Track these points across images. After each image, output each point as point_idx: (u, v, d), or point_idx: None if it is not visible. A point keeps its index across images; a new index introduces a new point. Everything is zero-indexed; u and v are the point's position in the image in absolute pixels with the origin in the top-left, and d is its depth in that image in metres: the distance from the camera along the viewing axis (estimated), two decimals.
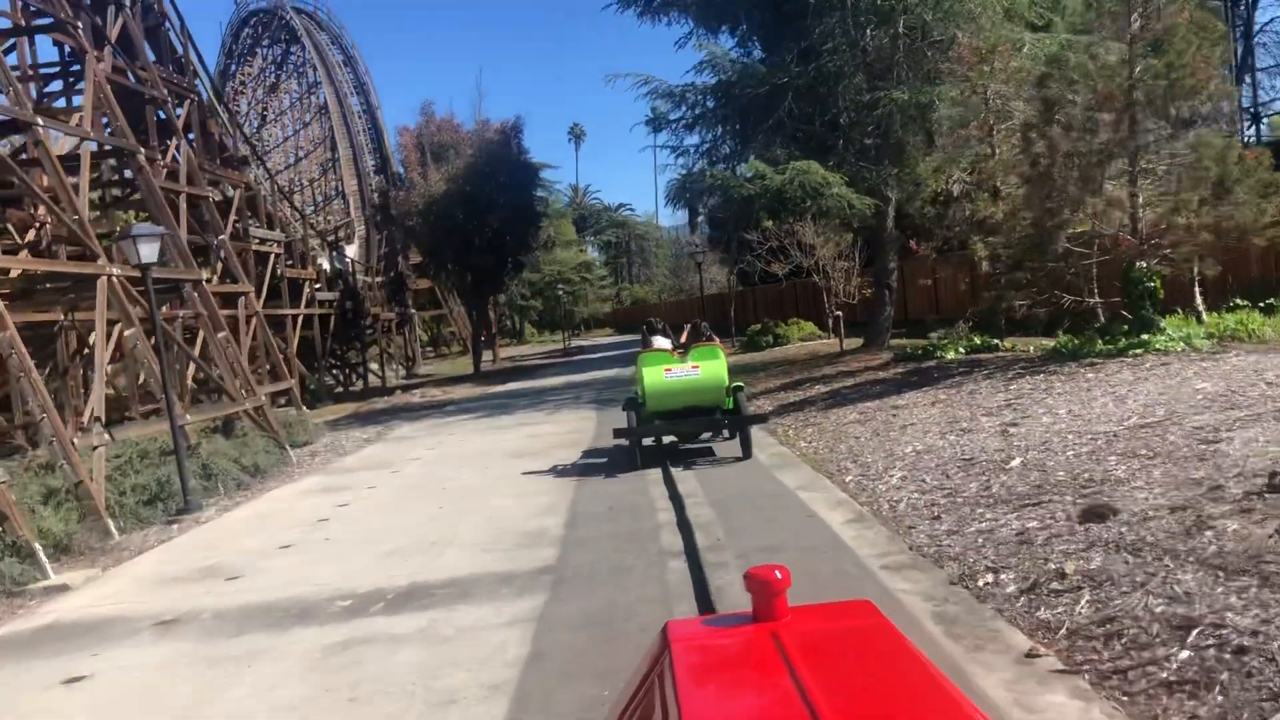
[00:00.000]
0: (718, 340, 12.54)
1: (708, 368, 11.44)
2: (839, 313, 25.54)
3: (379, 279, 51.45)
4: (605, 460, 12.89)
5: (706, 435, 12.69)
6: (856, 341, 26.27)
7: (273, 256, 34.21)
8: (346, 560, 8.85)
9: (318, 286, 39.67)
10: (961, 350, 16.73)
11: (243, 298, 22.17)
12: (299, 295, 36.63)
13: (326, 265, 45.41)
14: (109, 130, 17.37)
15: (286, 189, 57.91)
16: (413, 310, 55.21)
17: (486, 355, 52.61)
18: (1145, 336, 12.99)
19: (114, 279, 14.15)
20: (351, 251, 53.70)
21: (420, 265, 48.14)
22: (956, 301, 25.76)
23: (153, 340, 13.89)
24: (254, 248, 32.50)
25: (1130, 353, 12.65)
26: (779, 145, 19.51)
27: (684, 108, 22.73)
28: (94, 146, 16.23)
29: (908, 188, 20.36)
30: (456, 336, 65.59)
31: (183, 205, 19.74)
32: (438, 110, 56.41)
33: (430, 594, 7.33)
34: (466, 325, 60.85)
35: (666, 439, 12.68)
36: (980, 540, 6.56)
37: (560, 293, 65.23)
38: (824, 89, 19.47)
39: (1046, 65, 15.15)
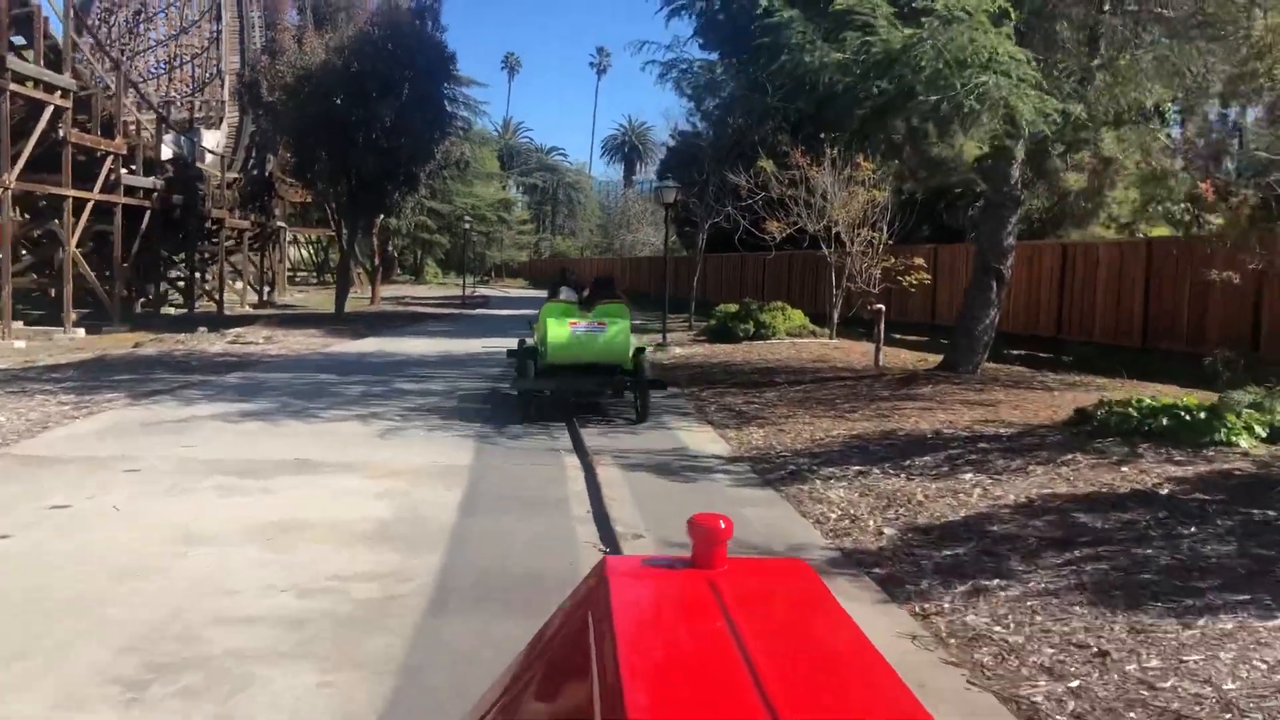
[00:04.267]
0: (625, 298, 12.14)
1: (614, 326, 11.05)
2: (879, 306, 16.43)
3: (240, 178, 40.82)
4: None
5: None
6: (903, 354, 17.32)
7: (49, 110, 23.63)
8: None
9: (133, 169, 29.10)
10: None
11: None
12: (93, 174, 26.14)
13: (169, 151, 34.71)
14: None
15: (126, 53, 46.40)
16: (282, 224, 44.62)
17: (365, 292, 42.45)
18: None
19: None
20: (212, 139, 42.77)
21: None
22: (1116, 316, 17.11)
23: None
24: (12, 87, 21.95)
25: None
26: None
27: None
28: None
29: (1106, 106, 11.38)
30: (356, 264, 54.60)
31: None
32: None
33: None
34: (361, 251, 50.51)
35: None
36: None
37: (469, 228, 54.65)
38: None
39: None
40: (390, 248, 69.48)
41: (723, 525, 1.49)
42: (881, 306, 16.34)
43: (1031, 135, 10.27)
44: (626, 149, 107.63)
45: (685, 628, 1.41)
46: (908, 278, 19.26)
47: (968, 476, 7.45)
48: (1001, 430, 9.17)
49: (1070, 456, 7.68)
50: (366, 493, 7.41)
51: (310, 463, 8.46)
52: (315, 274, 66.76)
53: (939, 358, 17.01)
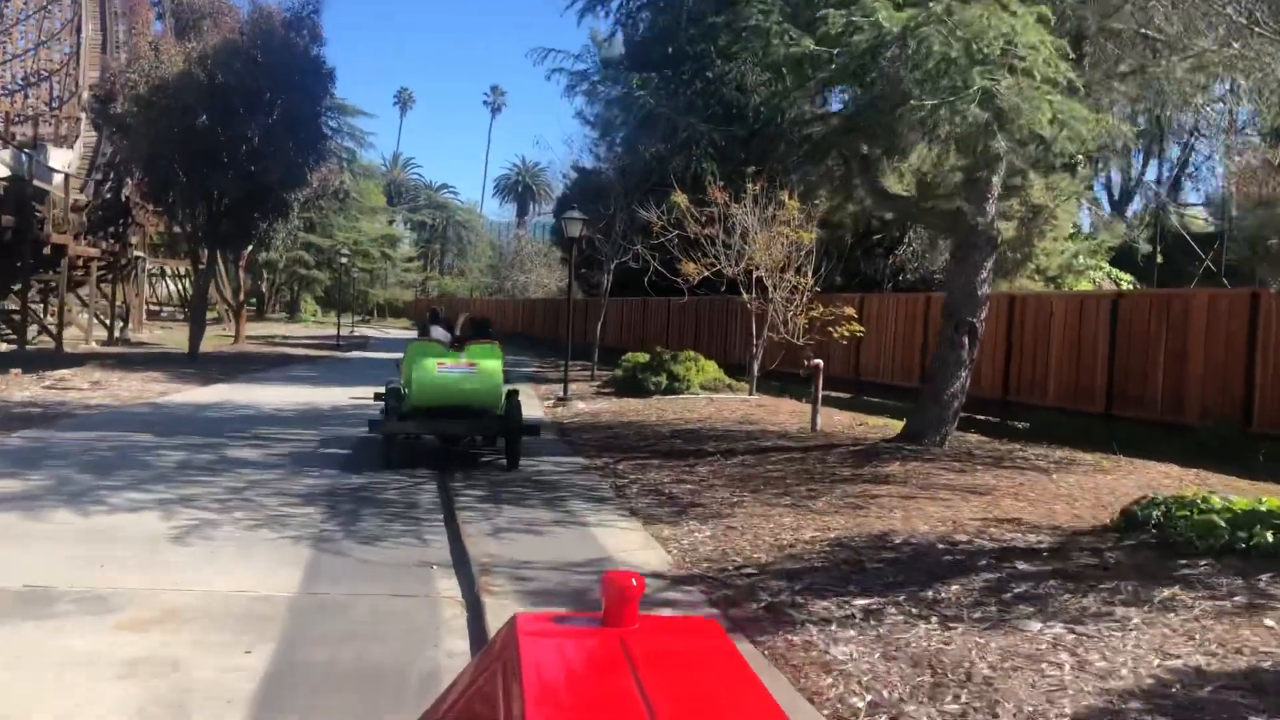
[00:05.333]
0: (497, 342, 11.30)
1: (485, 367, 10.56)
2: (817, 361, 14.25)
3: (95, 202, 36.83)
4: None
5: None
6: (836, 415, 15.22)
7: None
8: None
9: None
10: None
11: None
12: None
13: (4, 169, 30.70)
14: None
15: None
16: (140, 253, 40.58)
17: (215, 332, 38.86)
18: None
19: None
20: (62, 159, 38.57)
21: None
22: (1076, 378, 15.21)
23: None
24: None
25: None
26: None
27: None
28: None
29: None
30: (223, 300, 50.18)
31: None
32: None
33: None
34: (228, 284, 46.60)
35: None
36: None
37: (346, 263, 50.87)
38: None
39: None
40: (263, 283, 65.44)
41: (634, 583, 1.52)
42: (819, 362, 14.11)
43: (1074, 145, 8.06)
44: (520, 189, 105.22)
45: (596, 690, 1.42)
46: (839, 329, 17.16)
47: (1035, 627, 5.06)
48: (1033, 539, 6.88)
49: (1168, 594, 5.38)
50: (110, 661, 4.60)
51: (44, 594, 5.59)
52: (185, 310, 61.94)
53: (877, 420, 14.91)
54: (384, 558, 6.70)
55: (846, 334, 17.26)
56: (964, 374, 11.15)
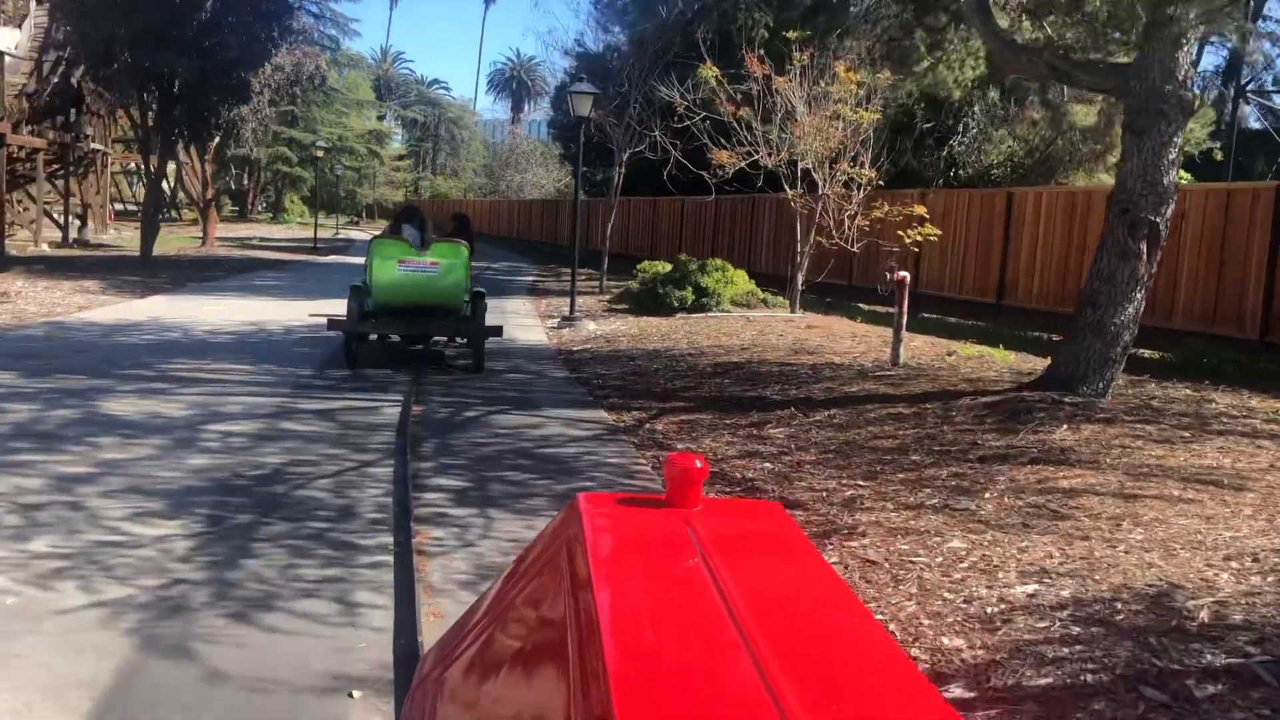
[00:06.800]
0: (468, 241, 11.00)
1: (447, 266, 10.34)
2: (903, 274, 11.05)
3: (41, 87, 32.98)
4: None
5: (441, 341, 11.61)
6: (915, 341, 12.14)
7: None
8: None
9: None
10: None
11: None
12: None
13: None
14: None
15: None
16: (99, 146, 36.78)
17: (190, 233, 35.42)
18: None
19: None
20: (8, 39, 34.59)
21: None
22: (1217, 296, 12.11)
23: None
24: None
25: None
26: None
27: None
28: None
29: None
30: (190, 198, 46.31)
31: None
32: None
33: None
34: (196, 180, 42.69)
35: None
36: None
37: (320, 159, 46.48)
38: None
39: None
40: (246, 181, 61.40)
41: (698, 465, 1.50)
42: (905, 275, 10.87)
43: None
44: (515, 85, 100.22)
45: (663, 570, 1.37)
46: (911, 232, 13.89)
47: None
48: None
49: None
50: None
51: None
52: (163, 209, 57.94)
53: (968, 348, 11.79)
54: (262, 662, 3.56)
55: (921, 238, 14.01)
56: (1139, 295, 7.96)
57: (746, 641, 1.06)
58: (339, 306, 11.45)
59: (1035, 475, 5.97)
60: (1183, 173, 25.06)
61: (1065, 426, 6.98)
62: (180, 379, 8.91)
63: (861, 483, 5.99)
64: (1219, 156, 26.58)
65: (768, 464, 6.48)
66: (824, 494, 5.79)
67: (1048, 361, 11.18)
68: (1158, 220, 7.84)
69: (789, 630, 1.16)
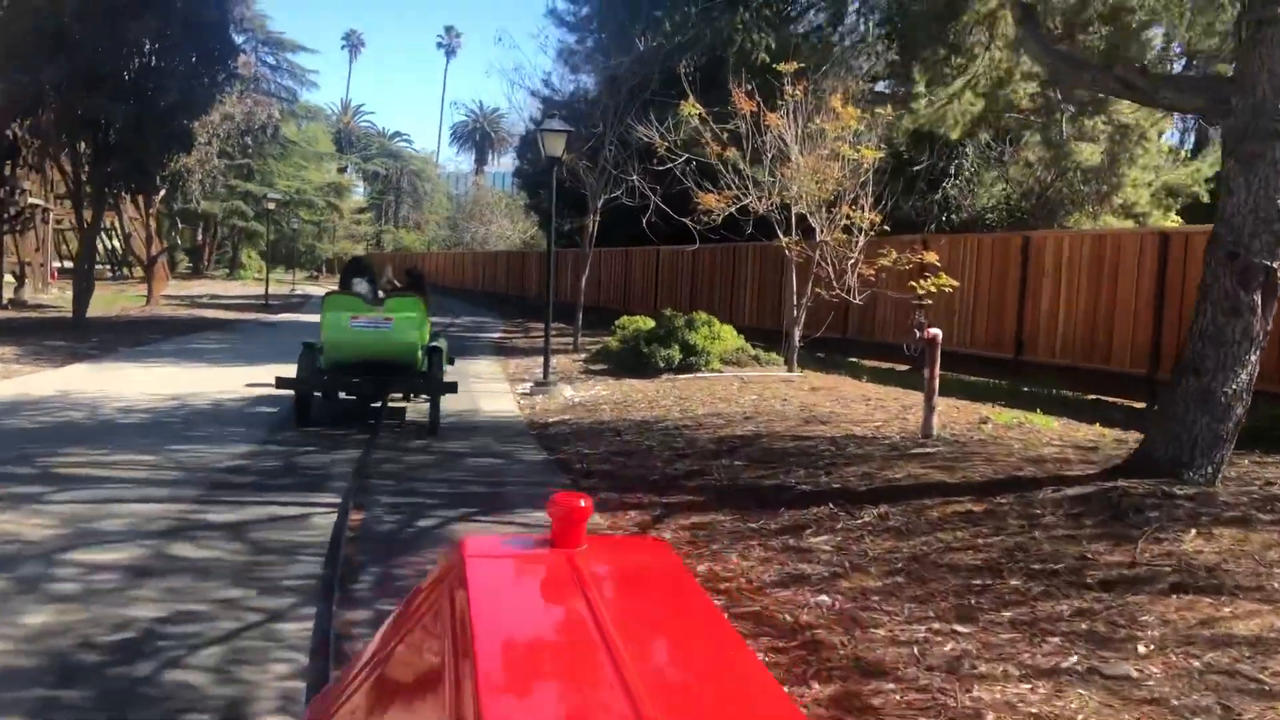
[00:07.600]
0: (422, 295, 10.64)
1: (402, 321, 10.01)
2: (935, 331, 9.59)
3: None
4: None
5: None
6: (891, 392, 10.67)
7: None
8: None
9: None
10: None
11: None
12: None
13: None
14: None
15: None
16: (37, 201, 34.79)
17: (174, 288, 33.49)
18: None
19: None
20: None
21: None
22: None
23: None
24: None
25: None
26: None
27: None
28: None
29: None
30: (136, 256, 44.15)
31: None
32: None
33: None
34: (142, 238, 40.63)
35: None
36: None
37: (272, 209, 44.05)
38: None
39: None
40: (202, 237, 59.35)
41: (582, 504, 1.46)
42: (937, 331, 9.38)
43: None
44: (478, 136, 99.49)
45: (544, 611, 1.37)
46: (925, 283, 12.42)
47: None
48: None
49: None
50: None
51: None
52: (114, 267, 55.51)
53: (1002, 414, 10.28)
54: None
55: (934, 289, 12.53)
56: (1253, 358, 6.46)
57: (623, 679, 1.05)
58: (285, 371, 10.13)
59: (1191, 612, 4.40)
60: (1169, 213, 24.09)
61: (1193, 531, 5.41)
62: (61, 478, 7.12)
63: (959, 627, 4.38)
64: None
65: (823, 595, 4.84)
66: (913, 650, 4.16)
67: (1099, 430, 9.75)
68: (1275, 265, 6.36)
69: (667, 666, 1.19)
